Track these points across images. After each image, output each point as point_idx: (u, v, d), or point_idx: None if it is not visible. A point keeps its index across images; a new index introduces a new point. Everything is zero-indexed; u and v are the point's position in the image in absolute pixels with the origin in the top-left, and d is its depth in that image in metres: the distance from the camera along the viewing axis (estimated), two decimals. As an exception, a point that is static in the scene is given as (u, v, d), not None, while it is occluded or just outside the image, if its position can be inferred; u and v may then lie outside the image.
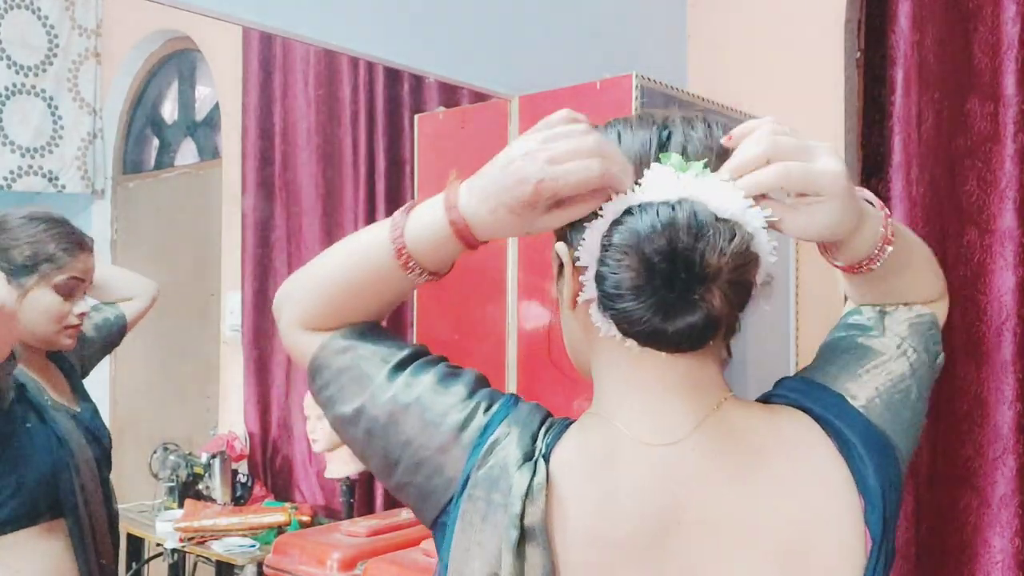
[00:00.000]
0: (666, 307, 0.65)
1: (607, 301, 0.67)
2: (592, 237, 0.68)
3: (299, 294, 0.81)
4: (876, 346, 0.80)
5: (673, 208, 0.65)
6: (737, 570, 0.69)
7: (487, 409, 0.73)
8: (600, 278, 0.67)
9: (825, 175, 0.67)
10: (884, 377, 0.77)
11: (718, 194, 0.66)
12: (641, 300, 0.65)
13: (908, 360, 0.79)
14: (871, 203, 0.75)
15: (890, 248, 0.75)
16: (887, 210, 0.76)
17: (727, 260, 0.64)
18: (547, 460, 0.69)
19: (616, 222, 0.67)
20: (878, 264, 0.75)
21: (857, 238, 0.73)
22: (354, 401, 0.76)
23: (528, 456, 0.69)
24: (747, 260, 0.65)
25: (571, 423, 0.74)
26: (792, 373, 0.82)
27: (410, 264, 0.74)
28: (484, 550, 0.68)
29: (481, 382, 0.77)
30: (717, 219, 0.65)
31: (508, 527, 0.66)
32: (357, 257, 0.78)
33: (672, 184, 0.67)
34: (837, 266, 0.78)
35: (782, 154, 0.67)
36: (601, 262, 0.67)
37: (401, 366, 0.76)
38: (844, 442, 0.73)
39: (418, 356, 0.78)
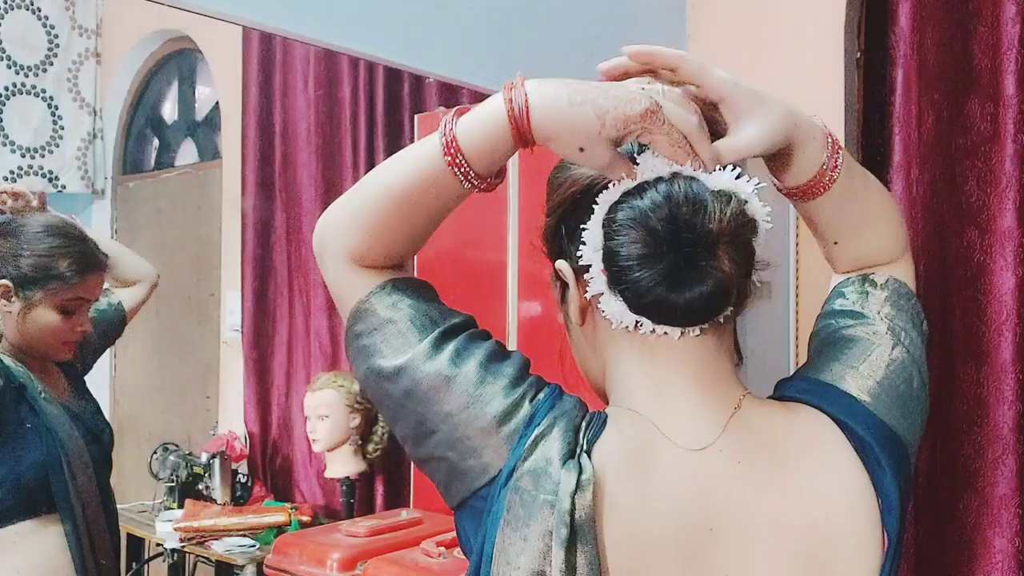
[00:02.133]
0: (675, 274, 0.67)
1: (618, 277, 0.69)
2: (593, 230, 0.71)
3: (345, 217, 0.76)
4: (869, 335, 0.80)
5: (669, 183, 0.69)
6: (762, 575, 0.69)
7: (533, 398, 0.71)
8: (609, 256, 0.69)
9: (726, 80, 0.74)
10: (885, 369, 0.78)
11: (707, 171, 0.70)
12: (650, 268, 0.68)
13: (904, 346, 0.79)
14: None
15: (841, 156, 0.76)
16: (828, 129, 0.78)
17: (726, 224, 0.67)
18: (590, 456, 0.68)
19: (615, 204, 0.70)
20: (836, 175, 0.76)
21: (808, 146, 0.75)
22: (396, 358, 0.72)
23: (572, 452, 0.68)
24: (744, 222, 0.69)
25: (607, 417, 0.72)
26: (791, 372, 0.82)
27: (458, 160, 0.71)
28: (529, 545, 0.66)
29: (528, 366, 0.75)
30: (711, 189, 0.69)
31: (557, 524, 0.65)
32: (405, 162, 0.74)
33: (663, 164, 0.70)
34: (797, 192, 0.78)
35: (686, 64, 0.74)
36: (608, 237, 0.69)
37: (450, 334, 0.73)
38: (860, 442, 0.74)
39: (467, 327, 0.76)
